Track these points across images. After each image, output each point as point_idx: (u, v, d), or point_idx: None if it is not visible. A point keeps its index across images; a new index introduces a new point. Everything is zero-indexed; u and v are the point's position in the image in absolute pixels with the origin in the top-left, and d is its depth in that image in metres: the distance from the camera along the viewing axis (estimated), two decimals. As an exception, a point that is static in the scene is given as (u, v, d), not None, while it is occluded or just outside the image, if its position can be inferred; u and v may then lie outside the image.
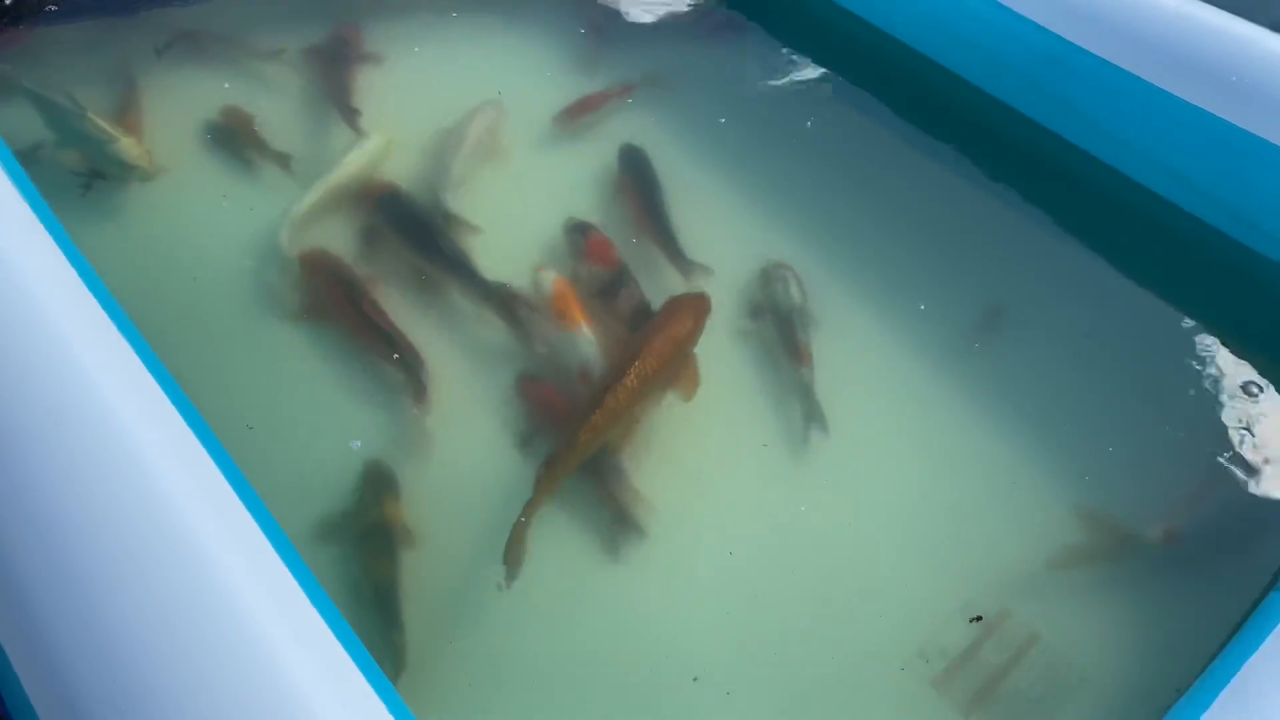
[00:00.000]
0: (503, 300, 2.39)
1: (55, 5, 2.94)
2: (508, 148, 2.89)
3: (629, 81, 3.08)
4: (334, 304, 2.38)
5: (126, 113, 2.77)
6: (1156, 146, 2.65)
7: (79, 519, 1.43)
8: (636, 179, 2.74)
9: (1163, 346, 2.50)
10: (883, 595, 2.04)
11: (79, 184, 2.54)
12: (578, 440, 2.05)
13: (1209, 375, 2.42)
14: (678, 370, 2.23)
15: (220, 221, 2.58)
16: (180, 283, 2.43)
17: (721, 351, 2.40)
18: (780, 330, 2.44)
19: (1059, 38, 2.72)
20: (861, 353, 2.47)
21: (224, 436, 1.63)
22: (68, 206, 2.11)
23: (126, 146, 2.59)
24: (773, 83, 3.16)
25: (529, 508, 1.96)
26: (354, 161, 2.72)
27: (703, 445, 2.25)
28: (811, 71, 3.20)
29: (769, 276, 2.55)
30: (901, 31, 3.08)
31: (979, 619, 1.98)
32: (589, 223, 2.60)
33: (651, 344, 2.17)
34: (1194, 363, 2.45)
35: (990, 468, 2.25)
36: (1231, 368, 2.43)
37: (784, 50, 3.26)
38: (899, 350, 2.46)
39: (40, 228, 1.86)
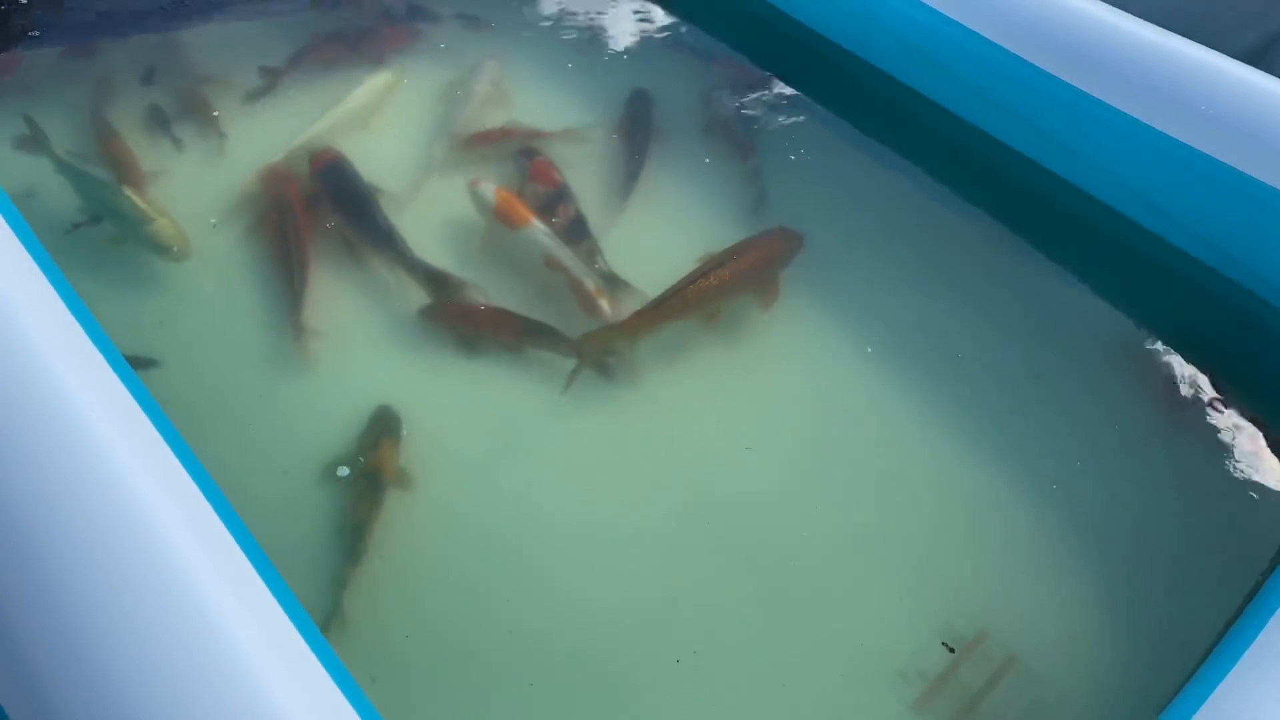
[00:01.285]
0: (430, 277, 2.51)
1: (37, 31, 2.95)
2: (511, 98, 3.09)
3: (543, 129, 2.98)
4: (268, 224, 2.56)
5: (111, 143, 2.75)
6: (1124, 170, 2.71)
7: (57, 531, 1.44)
8: (633, 119, 3.05)
9: (1128, 363, 2.54)
10: (863, 617, 2.04)
11: (70, 224, 2.51)
12: (667, 304, 2.38)
13: (1175, 390, 2.45)
14: (764, 281, 2.56)
15: (206, 246, 2.59)
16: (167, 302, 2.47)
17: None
18: (726, 135, 2.98)
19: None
20: (838, 370, 2.50)
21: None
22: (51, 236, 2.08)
23: (163, 227, 2.47)
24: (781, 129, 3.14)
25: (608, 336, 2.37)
26: (359, 96, 2.92)
27: (685, 444, 2.30)
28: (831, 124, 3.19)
29: (708, 98, 3.10)
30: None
31: (951, 650, 1.98)
32: (534, 147, 2.88)
33: (749, 251, 2.55)
34: (1162, 379, 2.48)
35: (965, 486, 2.26)
36: (1199, 385, 2.46)
37: (798, 101, 3.23)
38: (876, 371, 2.48)
39: (32, 264, 1.86)
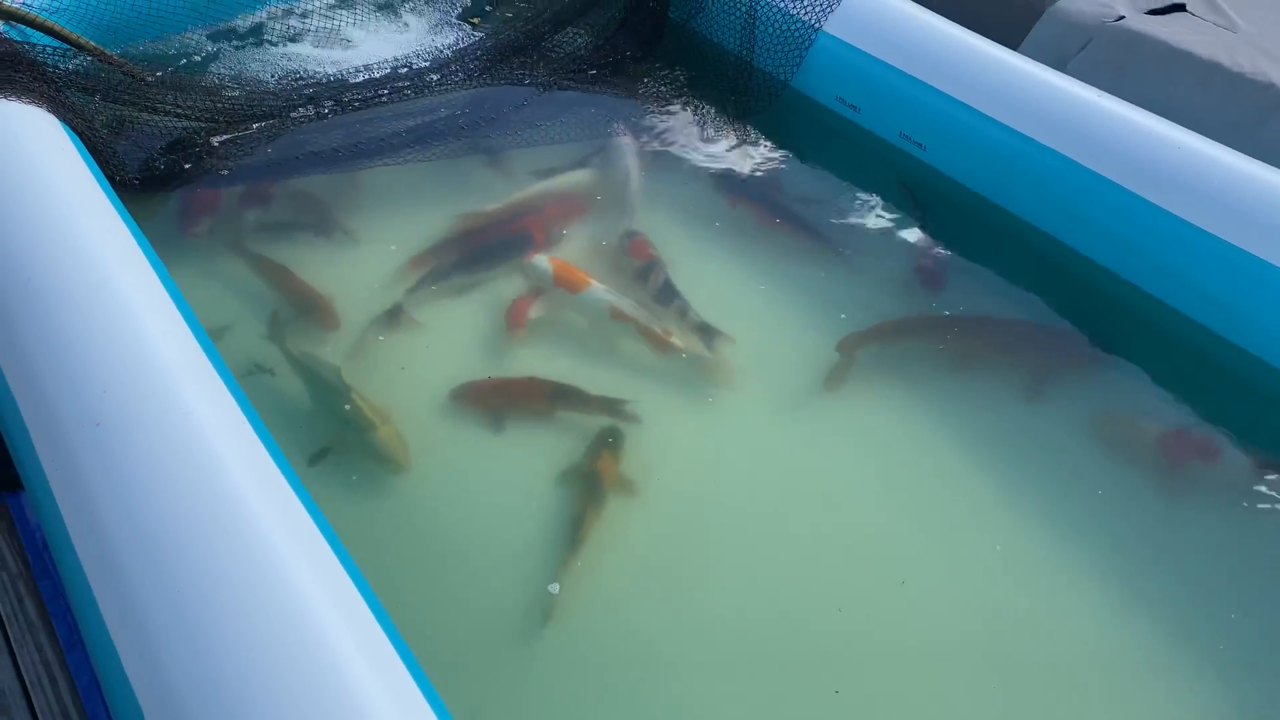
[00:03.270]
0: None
1: (227, 170, 3.20)
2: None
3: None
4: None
5: (286, 278, 2.91)
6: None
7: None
8: (748, 195, 3.36)
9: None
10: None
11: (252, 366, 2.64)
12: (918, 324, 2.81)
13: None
14: (1032, 377, 2.76)
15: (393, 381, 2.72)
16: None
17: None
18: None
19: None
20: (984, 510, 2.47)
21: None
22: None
23: (385, 436, 2.45)
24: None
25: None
26: (566, 179, 3.27)
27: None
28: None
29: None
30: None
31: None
32: (637, 230, 3.15)
33: (1029, 334, 2.89)
34: None
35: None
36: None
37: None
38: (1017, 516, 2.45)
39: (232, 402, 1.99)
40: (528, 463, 2.52)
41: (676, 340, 2.76)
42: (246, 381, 2.17)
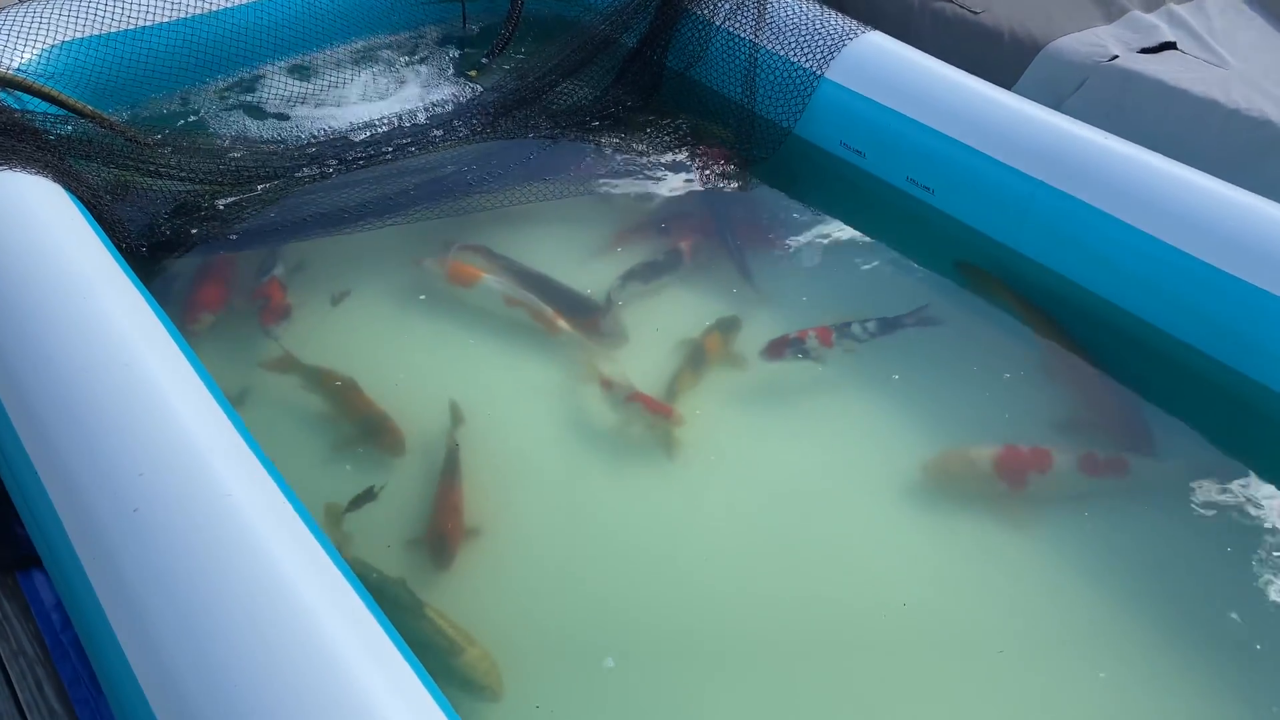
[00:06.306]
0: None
1: (234, 235, 3.16)
2: None
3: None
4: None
5: (355, 397, 2.79)
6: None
7: None
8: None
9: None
10: None
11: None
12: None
13: None
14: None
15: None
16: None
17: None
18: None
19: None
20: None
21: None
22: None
23: (474, 659, 2.18)
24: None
25: None
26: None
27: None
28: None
29: None
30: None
31: None
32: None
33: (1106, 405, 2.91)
34: None
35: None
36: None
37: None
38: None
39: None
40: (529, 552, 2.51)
41: (563, 324, 2.94)
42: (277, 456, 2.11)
